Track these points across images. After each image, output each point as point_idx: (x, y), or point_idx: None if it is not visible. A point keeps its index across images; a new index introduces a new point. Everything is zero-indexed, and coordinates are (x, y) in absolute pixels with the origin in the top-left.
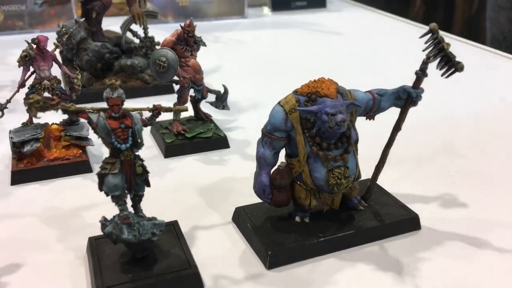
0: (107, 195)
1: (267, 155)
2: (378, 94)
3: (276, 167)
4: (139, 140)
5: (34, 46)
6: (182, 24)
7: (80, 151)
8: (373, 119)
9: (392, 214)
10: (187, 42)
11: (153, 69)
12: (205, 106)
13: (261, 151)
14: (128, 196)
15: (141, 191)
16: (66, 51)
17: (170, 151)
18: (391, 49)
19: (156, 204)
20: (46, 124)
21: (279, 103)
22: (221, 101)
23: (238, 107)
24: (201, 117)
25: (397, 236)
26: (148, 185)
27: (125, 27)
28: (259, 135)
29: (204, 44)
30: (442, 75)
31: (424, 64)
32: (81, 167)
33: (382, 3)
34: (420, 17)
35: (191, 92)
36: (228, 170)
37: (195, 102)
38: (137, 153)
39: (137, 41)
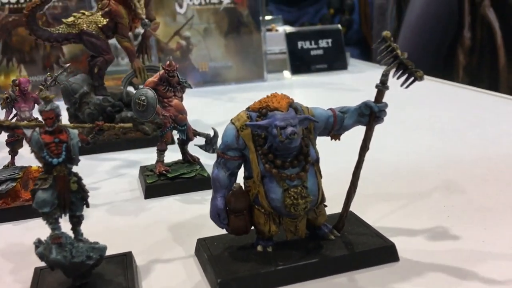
0: (40, 215)
1: (221, 177)
2: (340, 111)
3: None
4: (73, 156)
5: (16, 88)
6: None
7: None
8: (339, 139)
9: (366, 244)
10: (169, 82)
11: (133, 108)
12: (195, 150)
13: (215, 173)
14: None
15: (78, 211)
16: (70, 105)
17: (150, 191)
18: (415, 106)
19: (120, 240)
20: (27, 166)
21: (231, 120)
22: (210, 144)
23: None
24: (188, 160)
25: (370, 267)
26: (87, 206)
27: (126, 81)
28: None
29: (190, 86)
30: (402, 85)
31: (384, 76)
32: None
33: (427, 67)
34: (465, 80)
35: (177, 134)
36: (206, 209)
37: (182, 144)
38: (72, 169)
39: None
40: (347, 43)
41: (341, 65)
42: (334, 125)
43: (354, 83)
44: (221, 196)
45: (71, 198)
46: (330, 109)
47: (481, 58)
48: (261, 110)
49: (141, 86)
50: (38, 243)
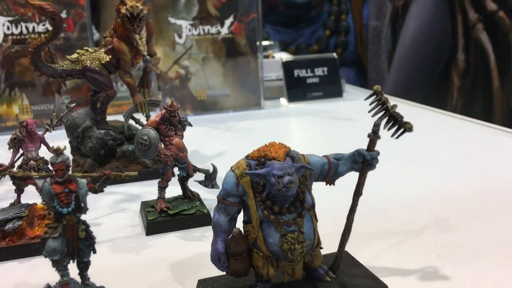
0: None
1: (221, 221)
2: (335, 158)
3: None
4: (82, 205)
5: (23, 129)
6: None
7: None
8: (333, 184)
9: (360, 285)
10: (170, 122)
11: (136, 148)
12: (195, 186)
13: (216, 218)
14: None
15: (86, 257)
16: (72, 139)
17: (151, 228)
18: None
19: (121, 279)
20: (33, 204)
21: (231, 168)
22: (210, 179)
23: None
24: (188, 195)
25: None
26: (94, 252)
27: (128, 115)
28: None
29: (190, 124)
30: (392, 135)
31: (376, 127)
32: None
33: (420, 97)
34: (458, 109)
35: (177, 171)
36: (205, 246)
37: (182, 181)
38: (81, 218)
39: (139, 128)
40: (343, 64)
41: (337, 93)
42: (329, 172)
43: (349, 111)
44: (221, 240)
45: (80, 245)
46: (325, 156)
47: (475, 80)
48: (260, 158)
49: (143, 124)
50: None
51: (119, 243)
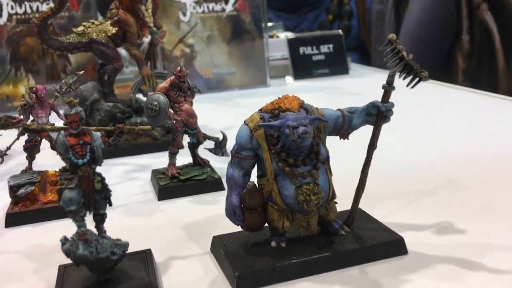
0: (63, 210)
1: (236, 176)
2: (349, 111)
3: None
4: (97, 156)
5: (34, 95)
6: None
7: None
8: (347, 139)
9: (375, 238)
10: (179, 88)
11: (146, 114)
12: (205, 154)
13: (230, 172)
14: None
15: (102, 209)
16: None
17: (163, 193)
18: (418, 109)
19: (138, 239)
20: (44, 171)
21: (244, 122)
22: (220, 147)
23: None
24: (198, 163)
25: (380, 260)
26: (110, 204)
27: (136, 88)
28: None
29: (199, 91)
30: (408, 85)
31: (390, 77)
32: None
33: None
34: (464, 83)
35: (187, 138)
36: (218, 209)
37: (192, 148)
38: (96, 170)
39: None
40: (346, 49)
41: (342, 70)
42: (343, 125)
43: (355, 87)
44: (236, 194)
45: (96, 197)
46: (339, 109)
47: (480, 62)
48: (274, 111)
49: (150, 93)
50: (65, 240)
51: (132, 208)
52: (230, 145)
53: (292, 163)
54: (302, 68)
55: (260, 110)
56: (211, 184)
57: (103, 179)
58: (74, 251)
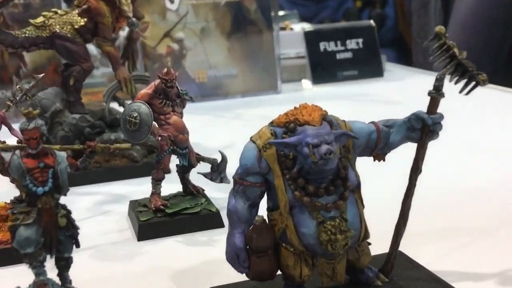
0: (17, 253)
1: (239, 208)
2: (385, 125)
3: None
4: (62, 184)
5: None
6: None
7: None
8: (384, 160)
9: None
10: (166, 95)
11: (123, 128)
12: (199, 180)
13: (232, 203)
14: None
15: (67, 252)
16: None
17: (144, 231)
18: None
19: None
20: None
21: (251, 139)
22: (218, 171)
23: None
24: (190, 191)
25: None
26: (77, 245)
27: (109, 95)
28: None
29: (191, 99)
30: (461, 91)
31: (439, 81)
32: None
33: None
34: None
35: (176, 159)
36: (216, 252)
37: (182, 172)
38: (60, 201)
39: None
40: (380, 44)
41: (375, 72)
42: (378, 143)
43: (392, 93)
44: (240, 232)
45: (59, 236)
46: (373, 122)
47: None
48: (288, 124)
49: (129, 101)
50: None
51: (104, 251)
52: (231, 169)
53: (312, 191)
54: (323, 69)
55: (271, 123)
56: (207, 220)
57: (68, 212)
58: None
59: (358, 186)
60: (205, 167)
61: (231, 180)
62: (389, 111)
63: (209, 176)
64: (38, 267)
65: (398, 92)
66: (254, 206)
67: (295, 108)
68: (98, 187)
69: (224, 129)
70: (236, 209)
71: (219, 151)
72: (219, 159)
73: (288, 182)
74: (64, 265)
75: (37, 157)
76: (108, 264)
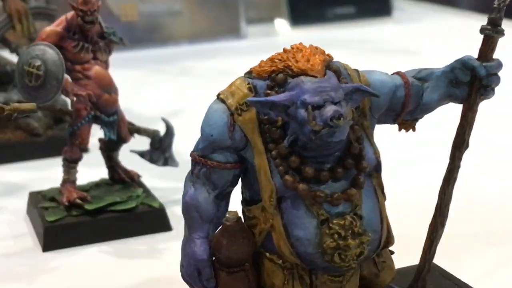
0: None
1: (201, 201)
2: (417, 77)
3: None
4: None
5: None
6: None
7: None
8: (413, 130)
9: None
10: (84, 35)
11: (20, 83)
12: (133, 161)
13: (190, 194)
14: None
15: None
16: None
17: (52, 237)
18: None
19: None
20: None
21: (218, 96)
22: (160, 149)
23: None
24: (120, 178)
25: None
26: None
27: None
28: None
29: (121, 41)
30: None
31: (497, 12)
32: None
33: None
34: None
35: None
36: (162, 268)
37: (108, 150)
38: None
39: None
40: None
41: (381, 9)
42: (406, 103)
43: (404, 40)
44: (202, 237)
45: None
46: (398, 74)
47: None
48: (275, 75)
49: (26, 46)
50: None
51: None
52: (178, 146)
53: (311, 175)
54: (306, 5)
55: (249, 73)
56: (147, 220)
57: None
58: None
59: (377, 167)
60: (142, 143)
61: (182, 161)
62: (400, 65)
63: (148, 155)
64: None
65: (412, 37)
66: (223, 197)
67: (284, 51)
68: None
69: (165, 90)
70: (197, 202)
71: (163, 119)
72: (162, 131)
73: (275, 161)
74: None
75: None
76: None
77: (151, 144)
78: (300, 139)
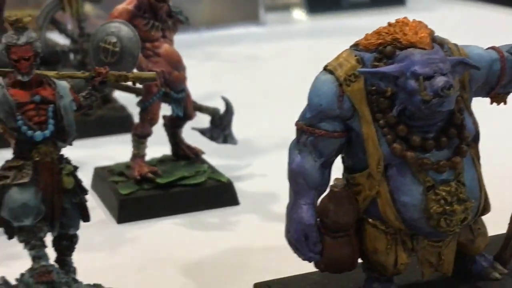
0: (9, 232)
1: (308, 168)
2: (510, 51)
3: (327, 191)
4: (67, 127)
5: None
6: None
7: None
8: (505, 103)
9: None
10: (154, 14)
11: (95, 59)
12: (193, 138)
13: (297, 162)
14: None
15: (73, 227)
16: None
17: (127, 210)
18: None
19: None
20: None
21: (325, 68)
22: (220, 127)
23: (250, 146)
24: (184, 154)
25: None
26: (87, 218)
27: (45, 17)
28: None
29: (187, 21)
30: None
31: None
32: None
33: None
34: None
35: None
36: (237, 239)
37: (173, 126)
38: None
39: (66, 42)
40: None
41: None
42: (502, 77)
43: None
44: (308, 203)
45: (64, 204)
46: (493, 48)
47: None
48: (383, 47)
49: (103, 24)
50: (5, 285)
51: None
52: (238, 135)
53: (418, 144)
54: None
55: (355, 46)
56: (216, 194)
57: (75, 169)
58: None
59: (475, 138)
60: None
61: (238, 145)
62: None
63: (208, 133)
64: (38, 247)
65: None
66: (327, 166)
67: (389, 24)
68: None
69: (195, 74)
70: (304, 169)
71: (222, 97)
72: (222, 109)
73: (383, 130)
74: (66, 245)
75: (30, 88)
76: (82, 257)
77: (212, 121)
78: (408, 109)
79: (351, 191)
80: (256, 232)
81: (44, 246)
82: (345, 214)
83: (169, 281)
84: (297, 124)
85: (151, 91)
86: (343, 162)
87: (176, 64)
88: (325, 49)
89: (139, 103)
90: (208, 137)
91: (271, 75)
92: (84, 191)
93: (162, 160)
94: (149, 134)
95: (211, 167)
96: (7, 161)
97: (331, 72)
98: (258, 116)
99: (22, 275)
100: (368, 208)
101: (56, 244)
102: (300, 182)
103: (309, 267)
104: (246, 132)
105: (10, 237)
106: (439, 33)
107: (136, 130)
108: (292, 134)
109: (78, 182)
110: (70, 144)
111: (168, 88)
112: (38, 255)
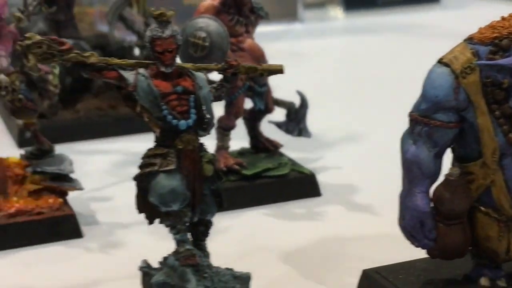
0: (151, 218)
1: (423, 158)
2: None
3: (441, 179)
4: (206, 117)
5: None
6: None
7: (60, 199)
8: None
9: None
10: (239, 10)
11: (183, 53)
12: (265, 131)
13: (412, 152)
14: None
15: (210, 213)
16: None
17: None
18: None
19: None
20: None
21: (440, 61)
22: (295, 121)
23: (322, 139)
24: (264, 147)
25: None
26: (222, 205)
27: (114, 13)
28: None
29: (266, 15)
30: None
31: None
32: (63, 227)
33: None
34: None
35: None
36: (326, 229)
37: (253, 119)
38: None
39: (133, 38)
40: None
41: None
42: None
43: (453, 26)
44: (423, 191)
45: (203, 190)
46: None
47: None
48: (499, 40)
49: (194, 19)
50: (148, 268)
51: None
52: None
53: None
54: None
55: (470, 39)
56: (299, 185)
57: (214, 157)
58: (178, 285)
59: None
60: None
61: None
62: (449, 49)
63: (284, 126)
64: (183, 232)
65: (460, 23)
66: (441, 155)
67: (503, 19)
68: (104, 143)
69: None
70: (419, 159)
71: (298, 91)
72: (297, 103)
73: (499, 121)
74: (202, 231)
75: (171, 79)
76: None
77: (287, 115)
78: None
79: (464, 180)
80: (342, 223)
81: (188, 230)
82: (460, 202)
83: (273, 269)
84: (411, 115)
85: (237, 85)
86: (453, 152)
87: (259, 58)
88: (361, 46)
89: (225, 97)
90: (284, 130)
91: (316, 71)
92: (220, 179)
93: (241, 153)
94: (233, 127)
95: (290, 159)
96: (149, 149)
97: (446, 64)
98: (320, 111)
99: (165, 258)
100: (481, 197)
101: (193, 229)
102: (415, 171)
103: (406, 255)
104: (316, 126)
105: (150, 222)
106: (473, 31)
107: (221, 123)
108: (356, 129)
109: (216, 169)
110: (208, 133)
111: (252, 82)
112: (182, 239)
